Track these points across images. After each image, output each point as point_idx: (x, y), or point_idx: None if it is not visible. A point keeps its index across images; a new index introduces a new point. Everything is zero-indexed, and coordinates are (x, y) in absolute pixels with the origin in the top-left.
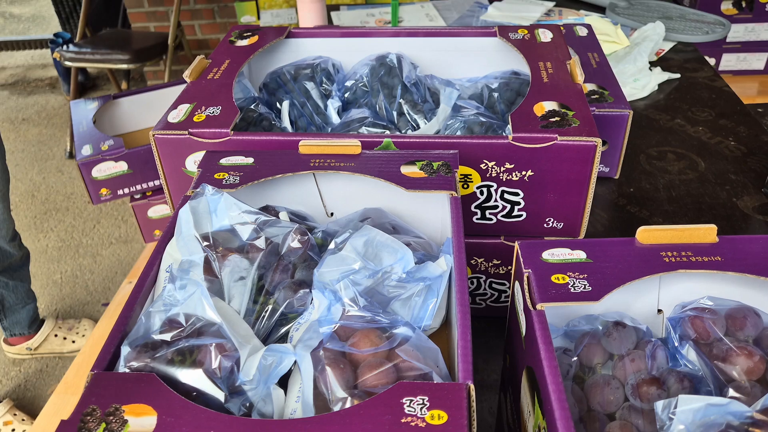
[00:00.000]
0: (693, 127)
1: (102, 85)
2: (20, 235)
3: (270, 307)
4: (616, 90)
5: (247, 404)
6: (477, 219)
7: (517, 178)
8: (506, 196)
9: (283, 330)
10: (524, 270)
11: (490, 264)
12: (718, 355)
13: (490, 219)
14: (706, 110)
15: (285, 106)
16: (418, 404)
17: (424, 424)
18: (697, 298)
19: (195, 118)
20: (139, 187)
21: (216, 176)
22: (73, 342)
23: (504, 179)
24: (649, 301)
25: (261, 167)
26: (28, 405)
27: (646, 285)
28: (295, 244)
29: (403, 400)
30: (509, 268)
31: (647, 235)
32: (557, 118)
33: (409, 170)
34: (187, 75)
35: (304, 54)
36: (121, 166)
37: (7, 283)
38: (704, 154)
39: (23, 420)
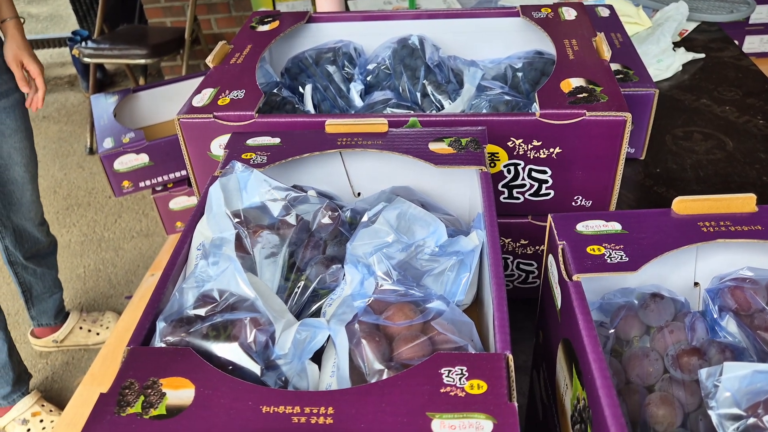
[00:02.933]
0: (720, 106)
1: (120, 82)
2: (48, 223)
3: (302, 283)
4: (640, 69)
5: (283, 378)
6: (504, 198)
7: (545, 156)
8: (534, 174)
9: (315, 306)
10: (558, 242)
11: (518, 244)
12: (761, 326)
13: (518, 198)
14: (732, 89)
15: (308, 90)
16: (456, 374)
17: (464, 393)
18: (735, 269)
19: (219, 102)
20: (160, 179)
21: (243, 156)
22: (98, 334)
23: (531, 157)
24: (685, 274)
25: (288, 147)
26: (55, 396)
27: (682, 257)
28: (326, 221)
29: (442, 371)
30: (537, 248)
31: (684, 205)
32: (585, 94)
33: (438, 147)
34: (209, 60)
35: (324, 39)
36: (143, 158)
37: (35, 270)
38: (732, 134)
39: (51, 411)
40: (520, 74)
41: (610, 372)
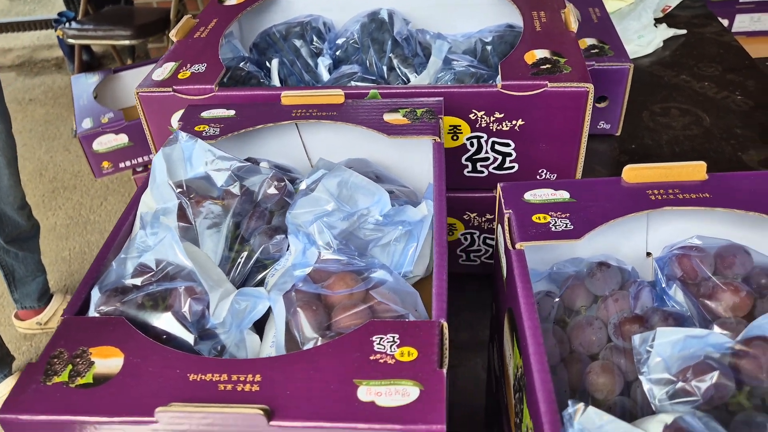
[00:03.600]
0: (699, 82)
1: (107, 64)
2: (30, 206)
3: (245, 253)
4: (617, 44)
5: (219, 347)
6: (468, 172)
7: (508, 128)
8: (497, 147)
9: (260, 277)
10: (505, 211)
11: (484, 219)
12: (705, 294)
13: (482, 172)
14: (713, 65)
15: (274, 65)
16: (388, 342)
17: (393, 360)
18: (686, 238)
19: (180, 76)
20: (140, 159)
21: (196, 128)
22: None
23: (494, 130)
24: (637, 244)
25: (242, 119)
26: None
27: (633, 227)
28: (272, 191)
29: (374, 338)
30: None
31: (634, 173)
32: (548, 66)
33: (392, 117)
34: (173, 34)
35: (294, 13)
36: (122, 139)
37: (17, 254)
38: (710, 110)
39: None
40: (489, 47)
41: (552, 343)
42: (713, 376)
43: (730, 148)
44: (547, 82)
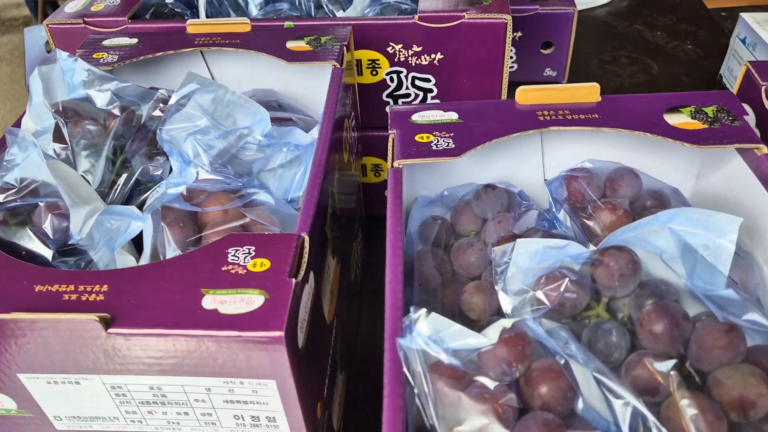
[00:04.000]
0: (651, 32)
1: None
2: None
3: (125, 175)
4: None
5: (82, 264)
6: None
7: (427, 63)
8: (417, 83)
9: (142, 198)
10: (390, 131)
11: None
12: (587, 215)
13: None
14: (667, 15)
15: (202, 2)
16: (243, 253)
17: (245, 271)
18: (579, 162)
19: (93, 8)
20: None
21: (95, 56)
22: None
23: (413, 64)
24: (534, 170)
25: (144, 47)
26: None
27: (529, 152)
28: (157, 113)
29: (229, 250)
30: None
31: (526, 95)
32: None
33: (295, 45)
34: None
35: None
36: None
37: None
38: (659, 58)
39: None
40: None
41: (431, 264)
42: (563, 285)
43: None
44: (464, 13)
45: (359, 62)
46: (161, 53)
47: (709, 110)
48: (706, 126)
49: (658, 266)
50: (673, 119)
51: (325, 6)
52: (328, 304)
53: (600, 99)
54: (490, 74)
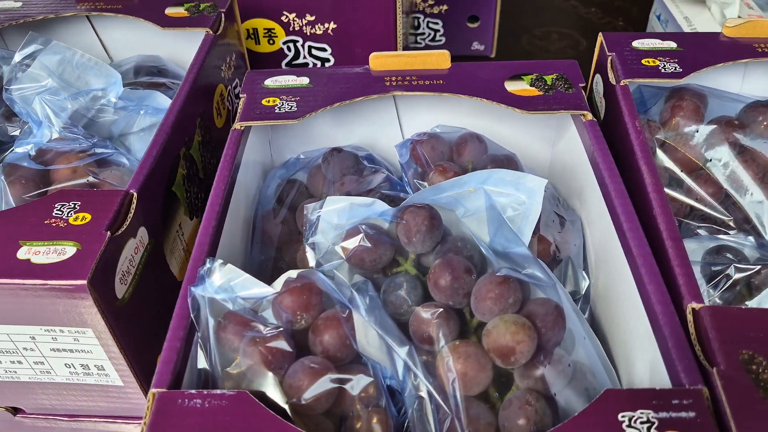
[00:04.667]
0: (586, 8)
1: None
2: None
3: None
4: None
5: None
6: None
7: (321, 32)
8: (314, 52)
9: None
10: (241, 95)
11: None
12: (424, 178)
13: None
14: None
15: None
16: (68, 208)
17: (65, 224)
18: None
19: None
20: None
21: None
22: None
23: (308, 33)
24: (393, 134)
25: (28, 10)
26: None
27: (385, 117)
28: (20, 74)
29: (56, 205)
30: None
31: (378, 61)
32: None
33: (174, 11)
34: None
35: None
36: None
37: None
38: (588, 34)
39: None
40: None
41: (277, 230)
42: (359, 239)
43: None
44: None
45: (255, 31)
46: (42, 17)
47: (549, 78)
48: (541, 93)
49: (470, 225)
50: (513, 86)
51: None
52: (179, 262)
53: (450, 66)
54: (384, 44)
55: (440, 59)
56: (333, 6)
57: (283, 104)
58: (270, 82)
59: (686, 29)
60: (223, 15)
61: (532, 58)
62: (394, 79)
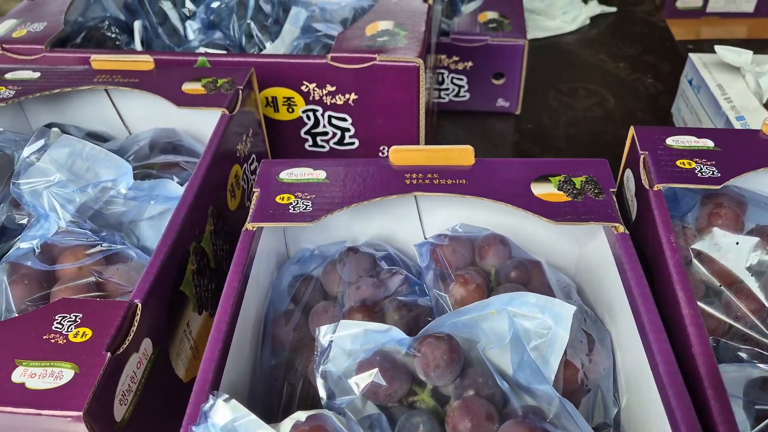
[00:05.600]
0: (614, 63)
1: None
2: None
3: None
4: (517, 20)
5: None
6: (309, 146)
7: (342, 102)
8: (334, 121)
9: (9, 245)
10: (255, 189)
11: None
12: (445, 285)
13: (323, 147)
14: (633, 45)
15: (137, 27)
16: (69, 321)
17: (65, 341)
18: (453, 225)
19: (14, 34)
20: None
21: None
22: None
23: (329, 103)
24: (412, 230)
25: (46, 82)
26: None
27: (405, 212)
28: (32, 158)
29: (56, 317)
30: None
31: (398, 155)
32: (385, 38)
33: (191, 87)
34: None
35: None
36: None
37: None
38: (617, 91)
39: None
40: (360, 16)
41: (291, 326)
42: (372, 375)
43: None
44: (376, 55)
45: (275, 99)
46: (58, 90)
47: (578, 181)
48: (569, 198)
49: (492, 356)
50: (539, 189)
51: (255, 36)
52: (186, 362)
53: (473, 162)
54: (406, 116)
55: (463, 155)
56: (355, 78)
57: (298, 203)
58: (285, 176)
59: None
60: (240, 92)
61: (557, 115)
62: (415, 176)
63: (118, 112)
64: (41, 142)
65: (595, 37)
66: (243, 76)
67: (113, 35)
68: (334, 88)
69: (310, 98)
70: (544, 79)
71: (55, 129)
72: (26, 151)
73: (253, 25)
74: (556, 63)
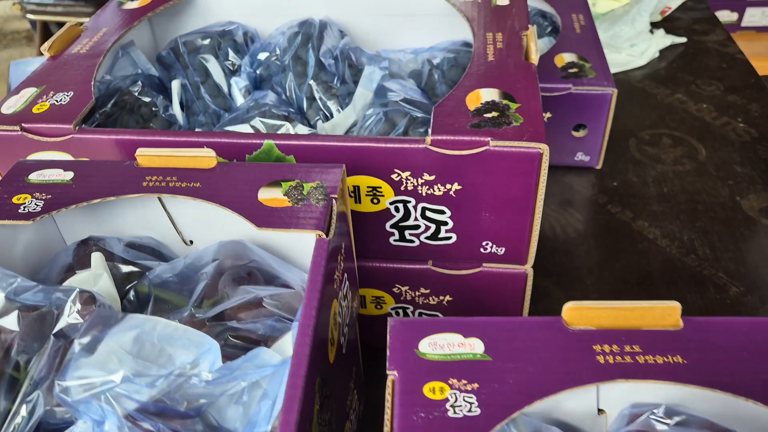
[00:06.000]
0: (696, 104)
1: None
2: None
3: (23, 413)
4: (599, 62)
5: None
6: (395, 240)
7: (441, 193)
8: (429, 214)
9: None
10: (389, 371)
11: (418, 293)
12: None
13: (412, 241)
14: (713, 83)
15: (175, 88)
16: None
17: None
18: (648, 404)
19: (35, 108)
20: None
21: (15, 200)
22: None
23: (424, 194)
24: (586, 398)
25: (80, 187)
26: None
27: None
28: (73, 318)
29: None
30: (441, 298)
31: (578, 314)
32: (494, 114)
33: (270, 195)
34: (45, 48)
35: (216, 18)
36: None
37: None
38: (706, 139)
39: None
40: (437, 73)
41: None
42: None
43: (726, 191)
44: (489, 139)
45: (357, 189)
46: (98, 200)
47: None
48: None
49: None
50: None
51: (318, 99)
52: None
53: (681, 324)
54: (519, 210)
55: (666, 315)
56: (460, 165)
57: (457, 398)
58: (428, 349)
59: None
60: (335, 202)
61: (644, 170)
62: (607, 349)
63: (170, 217)
64: (95, 331)
65: (668, 73)
66: (333, 176)
67: (148, 99)
68: (432, 177)
69: (402, 188)
70: (621, 126)
71: (96, 254)
72: (77, 344)
73: (315, 86)
74: (631, 105)
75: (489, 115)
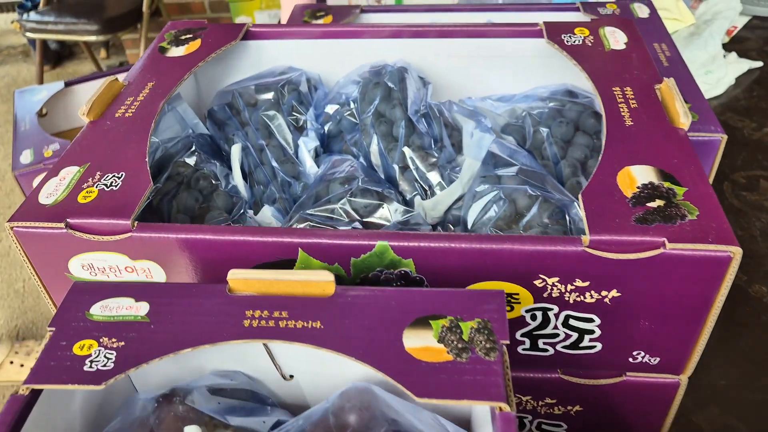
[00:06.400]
0: None
1: (80, 54)
2: None
3: None
4: (698, 101)
5: None
6: (524, 349)
7: (593, 300)
8: (572, 322)
9: None
10: None
11: (541, 403)
12: None
13: (545, 350)
14: None
15: (235, 153)
16: None
17: None
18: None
19: (81, 197)
20: None
21: (78, 350)
22: None
23: (572, 301)
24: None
25: (159, 328)
26: None
27: None
28: None
29: None
30: (568, 408)
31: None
32: (660, 203)
33: (420, 343)
34: (83, 112)
35: (269, 63)
36: None
37: None
38: None
39: None
40: (544, 131)
41: None
42: None
43: None
44: (664, 239)
45: None
46: (188, 349)
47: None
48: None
49: None
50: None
51: (414, 170)
52: None
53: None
54: (690, 320)
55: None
56: (623, 270)
57: None
58: None
59: None
60: (505, 348)
61: (748, 222)
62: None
63: (270, 354)
64: None
65: (749, 103)
66: (494, 309)
67: (207, 170)
68: (586, 284)
69: (545, 295)
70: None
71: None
72: None
73: (410, 153)
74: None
75: (653, 205)
